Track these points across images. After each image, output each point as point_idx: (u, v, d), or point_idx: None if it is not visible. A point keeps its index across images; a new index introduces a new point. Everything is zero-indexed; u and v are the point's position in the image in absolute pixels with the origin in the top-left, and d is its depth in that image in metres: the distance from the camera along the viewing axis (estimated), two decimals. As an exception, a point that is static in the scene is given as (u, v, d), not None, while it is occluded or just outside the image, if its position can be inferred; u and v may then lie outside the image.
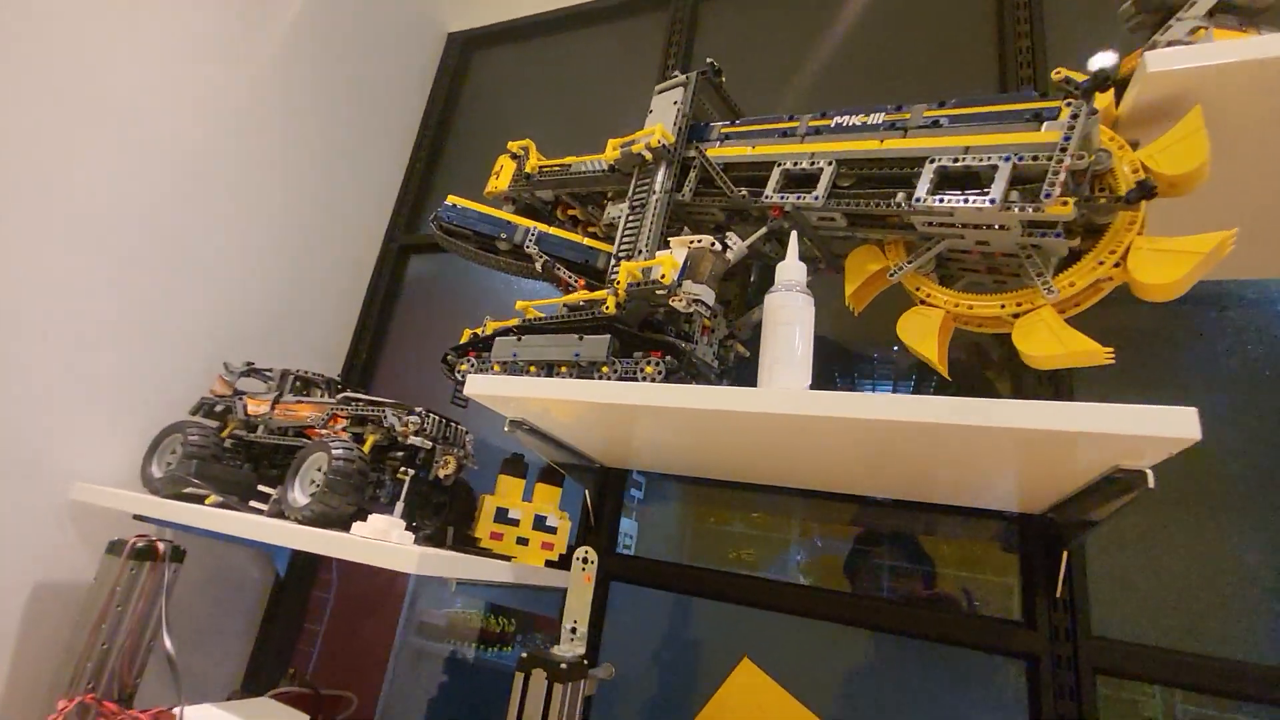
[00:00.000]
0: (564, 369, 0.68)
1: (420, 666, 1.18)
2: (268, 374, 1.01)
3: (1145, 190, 0.49)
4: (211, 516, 0.79)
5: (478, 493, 0.97)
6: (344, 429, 0.90)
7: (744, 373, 0.94)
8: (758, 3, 1.39)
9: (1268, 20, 0.66)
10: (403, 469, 0.81)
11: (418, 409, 0.88)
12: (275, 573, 1.22)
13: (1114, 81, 0.49)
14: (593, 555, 0.85)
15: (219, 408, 1.01)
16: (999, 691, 0.81)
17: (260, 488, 0.89)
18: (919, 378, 0.99)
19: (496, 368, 0.73)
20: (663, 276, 0.63)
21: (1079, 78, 0.52)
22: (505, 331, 0.75)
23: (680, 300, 0.64)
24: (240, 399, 0.99)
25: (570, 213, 1.03)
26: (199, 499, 0.85)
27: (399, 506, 0.78)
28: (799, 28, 1.31)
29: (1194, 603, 0.76)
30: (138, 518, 0.94)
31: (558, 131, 1.48)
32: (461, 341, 0.90)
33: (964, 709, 0.82)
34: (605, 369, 0.66)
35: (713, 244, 0.64)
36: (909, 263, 0.63)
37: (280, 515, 0.84)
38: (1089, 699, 0.75)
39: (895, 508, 0.92)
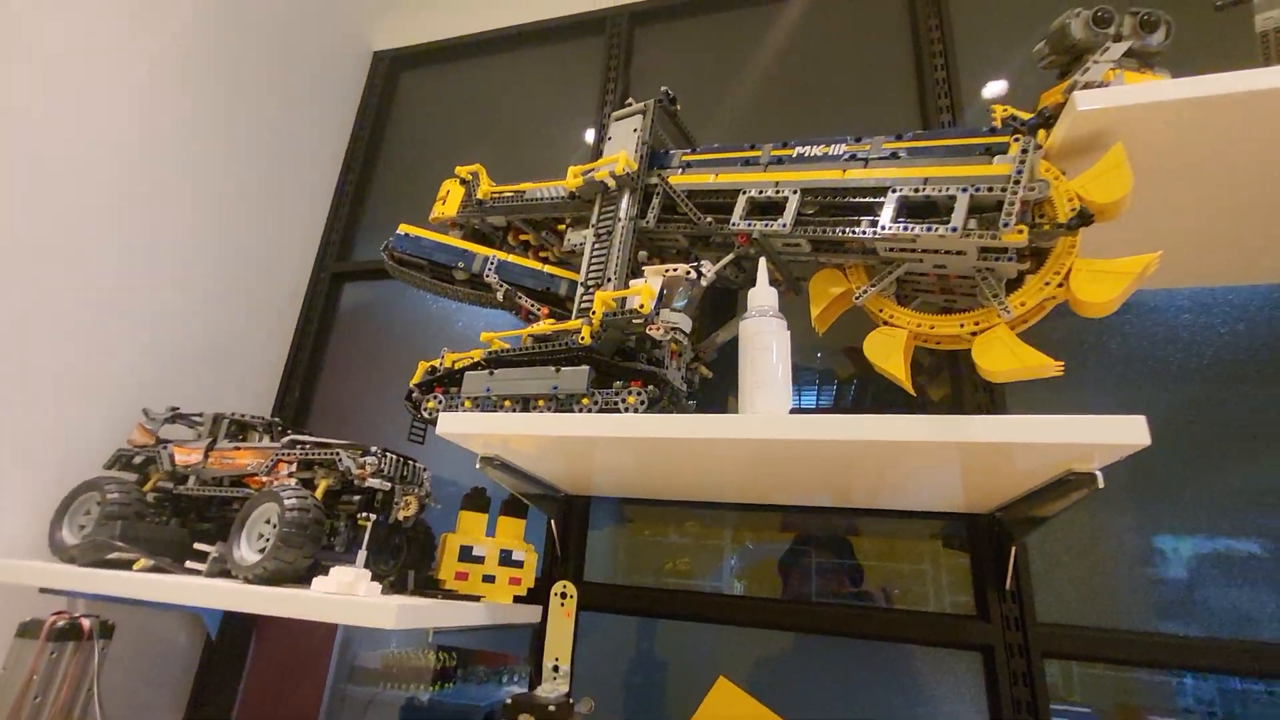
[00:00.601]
0: (541, 402, 0.67)
1: (358, 715, 1.10)
2: (196, 419, 0.93)
3: (1084, 218, 0.55)
4: (145, 584, 0.71)
5: (436, 531, 0.93)
6: (290, 475, 0.84)
7: (709, 394, 0.96)
8: (691, 31, 1.43)
9: (1160, 62, 0.75)
10: (363, 514, 0.77)
11: (374, 449, 0.84)
12: (206, 634, 1.12)
13: (1053, 119, 0.54)
14: (572, 590, 0.84)
15: (138, 459, 0.92)
16: (957, 682, 0.86)
17: (196, 545, 0.81)
18: (839, 383, 1.04)
19: (468, 404, 0.71)
20: (640, 306, 0.63)
21: (1023, 115, 0.57)
22: (475, 365, 0.72)
23: (658, 329, 0.64)
24: (165, 448, 0.91)
25: (522, 238, 1.01)
26: (126, 564, 0.77)
27: (361, 555, 0.74)
28: (730, 56, 1.36)
29: (1122, 585, 0.84)
30: (45, 591, 0.84)
31: (492, 154, 1.46)
32: (417, 375, 0.86)
33: (927, 701, 0.86)
34: (585, 401, 0.65)
35: (688, 272, 0.65)
36: (872, 286, 0.66)
37: (224, 574, 0.77)
38: (1040, 682, 0.81)
39: (849, 514, 0.96)
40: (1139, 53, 0.71)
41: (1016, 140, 0.56)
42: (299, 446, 0.84)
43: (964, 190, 0.57)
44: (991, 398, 0.91)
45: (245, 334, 1.23)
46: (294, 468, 0.84)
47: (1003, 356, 0.58)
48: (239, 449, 0.88)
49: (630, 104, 0.86)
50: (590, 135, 1.37)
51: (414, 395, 0.76)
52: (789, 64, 1.31)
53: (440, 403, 0.74)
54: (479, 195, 0.95)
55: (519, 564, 0.92)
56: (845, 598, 0.92)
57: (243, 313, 1.23)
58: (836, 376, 1.06)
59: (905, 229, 0.58)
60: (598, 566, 1.04)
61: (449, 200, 1.01)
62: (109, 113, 1.01)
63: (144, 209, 1.06)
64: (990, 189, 0.56)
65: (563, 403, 0.67)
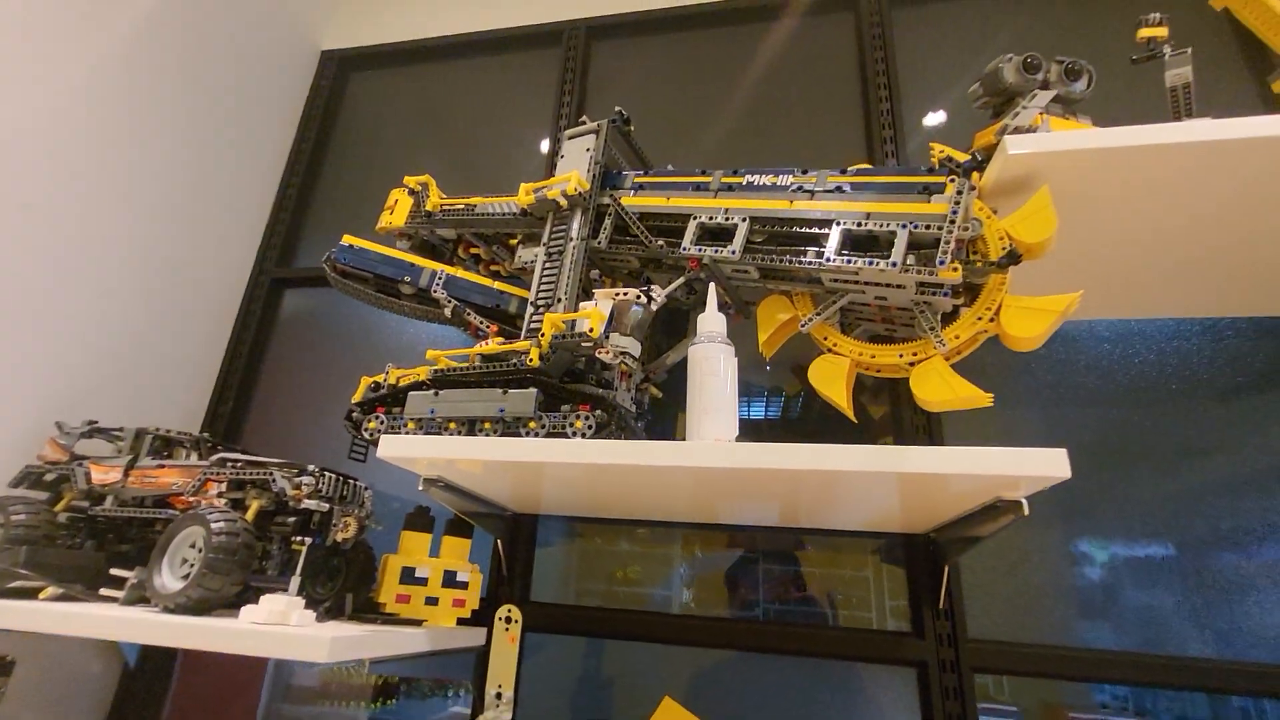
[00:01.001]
0: (488, 425, 0.66)
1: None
2: (117, 434, 0.87)
3: (1014, 257, 0.57)
4: (50, 616, 0.66)
5: (377, 551, 0.90)
6: (219, 495, 0.80)
7: (660, 412, 0.96)
8: (647, 48, 1.44)
9: (1082, 108, 0.80)
10: (298, 538, 0.74)
11: (310, 468, 0.80)
12: (124, 663, 1.05)
13: (985, 161, 0.57)
14: (516, 614, 0.82)
15: (50, 477, 0.86)
16: (895, 696, 0.88)
17: (113, 571, 0.76)
18: (786, 397, 1.07)
19: (411, 425, 0.69)
20: (590, 330, 0.63)
21: (959, 156, 0.59)
22: (419, 385, 0.71)
23: (607, 353, 0.64)
24: (80, 465, 0.85)
25: (473, 251, 1.00)
26: (32, 593, 0.71)
27: (295, 581, 0.71)
28: (685, 75, 1.38)
29: (1047, 600, 0.88)
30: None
31: (444, 161, 1.44)
32: (359, 391, 0.84)
33: (866, 714, 0.88)
34: (533, 424, 0.64)
35: (638, 296, 0.66)
36: (817, 314, 0.68)
37: (143, 602, 0.73)
38: (970, 697, 0.84)
39: (794, 533, 0.98)
40: (1064, 99, 0.76)
41: (952, 181, 0.59)
42: (229, 465, 0.80)
43: (903, 226, 0.59)
44: (929, 421, 0.94)
45: (175, 342, 1.17)
46: (223, 487, 0.80)
47: (938, 388, 0.60)
48: (163, 467, 0.83)
49: (584, 122, 0.86)
50: (545, 145, 1.37)
51: (354, 415, 0.74)
52: (742, 86, 1.34)
53: (382, 423, 0.71)
54: (428, 207, 0.93)
55: (463, 585, 0.90)
56: (791, 604, 0.94)
57: (173, 319, 1.17)
58: (784, 390, 1.09)
59: (849, 261, 0.60)
60: (546, 583, 1.03)
61: (397, 210, 0.99)
62: (25, 104, 0.95)
63: (64, 207, 0.99)
64: (928, 226, 0.58)
65: (510, 425, 0.66)
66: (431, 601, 0.87)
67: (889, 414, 1.01)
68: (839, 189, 0.65)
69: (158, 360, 1.13)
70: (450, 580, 0.88)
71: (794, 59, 1.33)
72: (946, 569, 0.83)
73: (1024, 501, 0.58)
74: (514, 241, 0.95)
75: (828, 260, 0.61)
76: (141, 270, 1.11)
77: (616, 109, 0.88)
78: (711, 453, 0.56)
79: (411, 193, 0.98)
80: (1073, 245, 0.61)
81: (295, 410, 1.23)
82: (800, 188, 0.67)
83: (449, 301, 0.82)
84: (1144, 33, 0.77)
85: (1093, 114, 0.80)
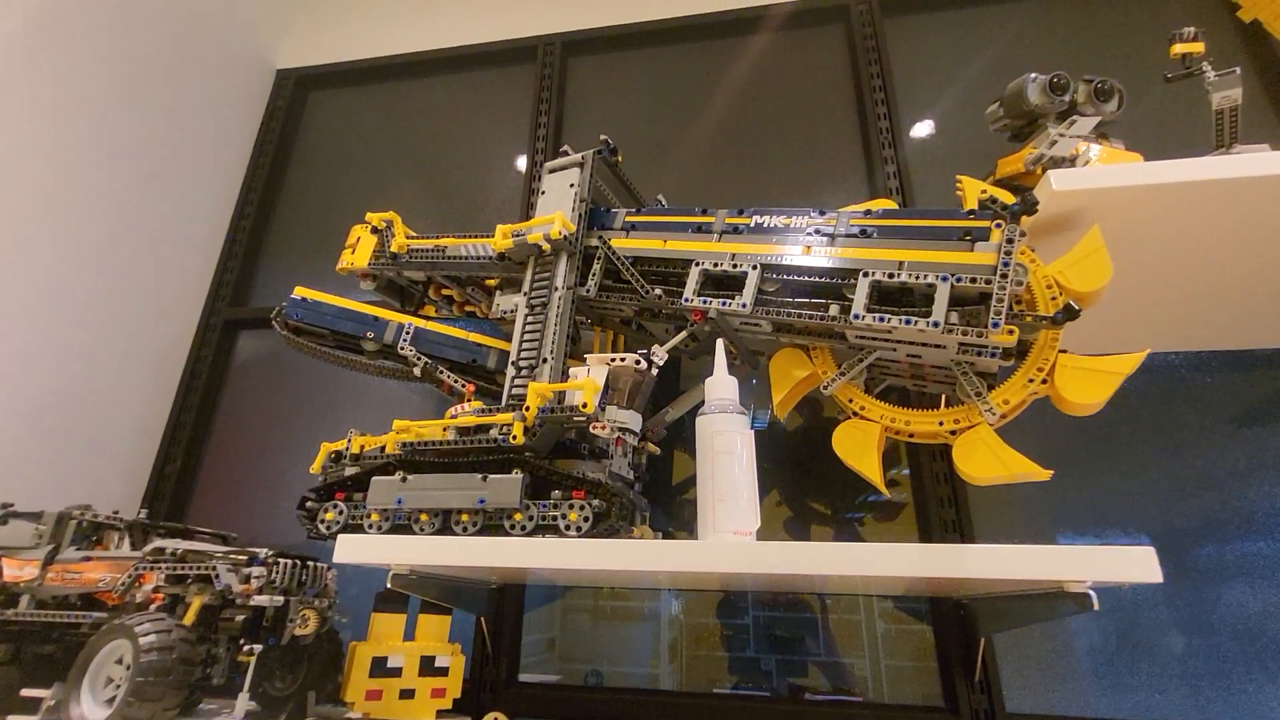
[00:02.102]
0: (465, 517, 0.56)
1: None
2: (35, 519, 0.76)
3: (1071, 314, 0.50)
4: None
5: (345, 637, 0.79)
6: (156, 590, 0.69)
7: (657, 474, 0.87)
8: (626, 63, 1.36)
9: (1114, 130, 0.73)
10: (246, 646, 0.63)
11: (261, 554, 0.70)
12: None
13: (1035, 204, 0.49)
14: (504, 721, 0.73)
15: (-46, 573, 0.74)
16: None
17: (25, 692, 0.65)
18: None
19: (375, 517, 0.59)
20: (584, 405, 0.54)
21: (1004, 197, 0.51)
22: (385, 467, 0.61)
23: (604, 429, 0.55)
24: (-9, 559, 0.73)
25: (445, 292, 0.90)
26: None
27: (243, 700, 0.60)
28: (667, 90, 1.30)
29: (1092, 662, 0.81)
30: None
31: (413, 186, 1.34)
32: (319, 460, 0.74)
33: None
34: (518, 516, 0.55)
35: (637, 361, 0.57)
36: (842, 375, 0.59)
37: (60, 733, 0.62)
38: (1012, 776, 0.76)
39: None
40: (1098, 123, 0.69)
41: (998, 227, 0.51)
42: (166, 557, 0.69)
43: (944, 279, 0.51)
44: (954, 490, 0.86)
45: (114, 396, 1.05)
46: (161, 581, 0.69)
47: (988, 462, 0.52)
48: (91, 560, 0.72)
49: (566, 152, 0.77)
50: (521, 165, 1.28)
51: (308, 504, 0.63)
52: (729, 102, 1.26)
53: (341, 513, 0.61)
54: (393, 249, 0.83)
55: (443, 671, 0.79)
56: (781, 610, 0.87)
57: (111, 371, 1.05)
58: (790, 431, 1.00)
59: (881, 319, 0.52)
60: (533, 653, 0.93)
61: (359, 249, 0.89)
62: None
63: (-25, 257, 0.87)
64: (973, 280, 0.50)
65: (491, 516, 0.56)
66: (407, 694, 0.77)
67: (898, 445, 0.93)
68: (863, 232, 0.57)
69: (93, 417, 1.01)
70: (428, 667, 0.78)
71: (783, 74, 1.26)
72: (982, 641, 0.75)
73: (1093, 595, 0.50)
74: (491, 283, 0.86)
75: (856, 318, 0.53)
76: (73, 315, 1.00)
77: (602, 138, 0.79)
78: (733, 555, 0.47)
79: (374, 230, 0.88)
80: (1115, 282, 0.54)
81: (252, 468, 1.12)
82: (818, 230, 0.59)
83: (419, 359, 0.72)
84: (1179, 48, 0.70)
85: (1124, 137, 0.73)
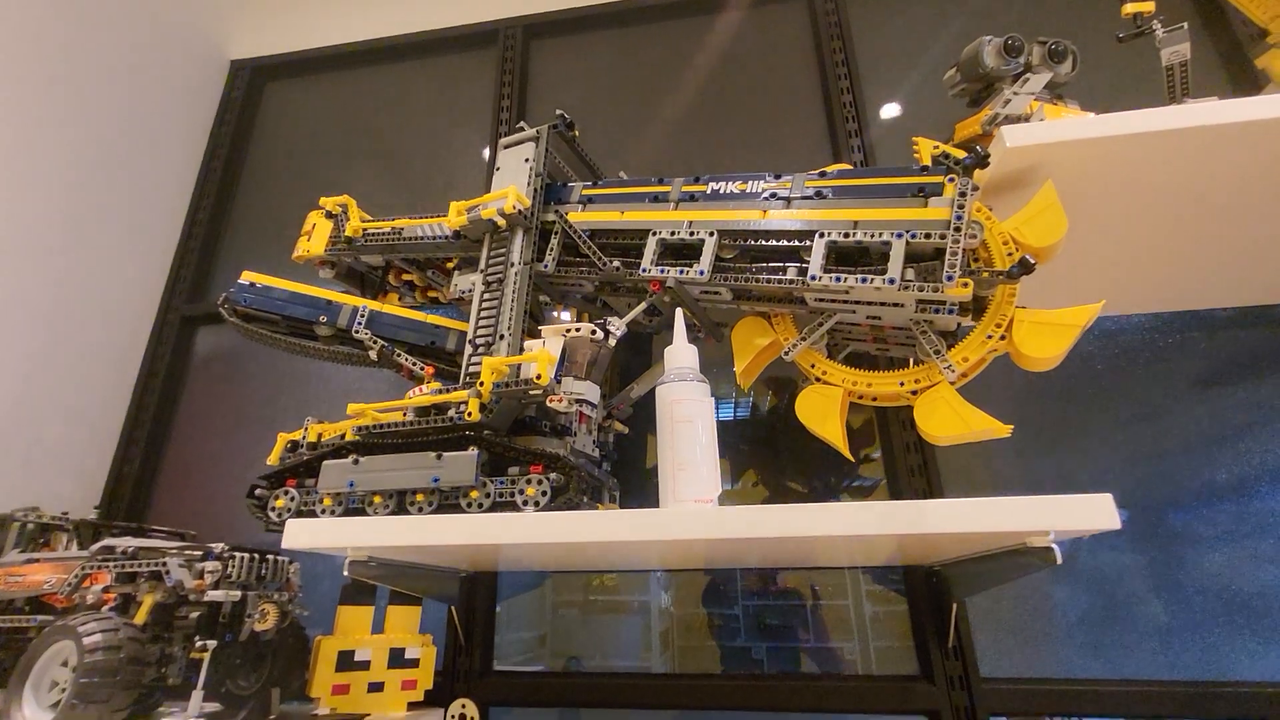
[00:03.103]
0: (420, 497, 0.54)
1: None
2: (-23, 522, 0.73)
3: (1026, 267, 0.49)
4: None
5: (310, 632, 0.77)
6: (108, 590, 0.67)
7: (626, 452, 0.86)
8: (590, 46, 1.34)
9: (1068, 92, 0.73)
10: (200, 643, 0.61)
11: (216, 548, 0.68)
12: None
13: (988, 158, 0.48)
14: (472, 709, 0.71)
15: (-106, 580, 0.71)
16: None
17: (-32, 700, 0.62)
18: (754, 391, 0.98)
19: (328, 501, 0.57)
20: (538, 376, 0.52)
21: (955, 152, 0.51)
22: (338, 451, 0.59)
23: (560, 401, 0.54)
24: (-69, 565, 0.70)
25: (405, 277, 0.88)
26: None
27: (196, 698, 0.58)
28: (632, 73, 1.29)
29: (1067, 624, 0.81)
30: None
31: (374, 177, 1.31)
32: (276, 451, 0.71)
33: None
34: (475, 494, 0.53)
35: (593, 331, 0.55)
36: (802, 340, 0.58)
37: (3, 739, 0.59)
38: (989, 740, 0.76)
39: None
40: (1050, 83, 0.69)
41: (951, 181, 0.50)
42: (115, 556, 0.66)
43: (899, 236, 0.50)
44: (924, 459, 0.86)
45: (69, 396, 1.01)
46: (112, 581, 0.67)
47: (949, 420, 0.52)
48: (35, 562, 0.69)
49: (522, 128, 0.75)
50: (486, 153, 1.25)
51: (258, 492, 0.61)
52: (693, 83, 1.24)
53: (294, 500, 0.59)
54: (348, 233, 0.81)
55: (413, 663, 0.78)
56: (770, 598, 0.86)
57: (65, 369, 1.01)
58: (756, 399, 1.00)
59: (837, 279, 0.51)
60: (511, 636, 0.91)
61: (315, 235, 0.87)
62: None
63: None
64: (927, 235, 0.49)
65: (447, 496, 0.54)
66: (376, 688, 0.75)
67: (870, 422, 0.93)
68: (818, 194, 0.56)
69: (47, 418, 0.98)
70: (398, 659, 0.77)
71: (747, 52, 1.25)
72: (955, 606, 0.75)
73: (1055, 548, 0.50)
74: (451, 265, 0.84)
75: (813, 279, 0.52)
76: (24, 314, 0.96)
77: (558, 112, 0.77)
78: (693, 522, 0.46)
79: (329, 215, 0.86)
80: (1072, 241, 0.54)
81: (215, 465, 1.09)
82: (774, 194, 0.58)
83: (375, 342, 0.70)
84: (1130, 8, 0.70)
85: (1078, 97, 0.73)
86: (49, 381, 0.99)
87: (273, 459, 0.72)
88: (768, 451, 0.95)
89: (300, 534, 0.51)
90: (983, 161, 0.48)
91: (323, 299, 0.73)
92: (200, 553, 0.66)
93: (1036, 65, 0.71)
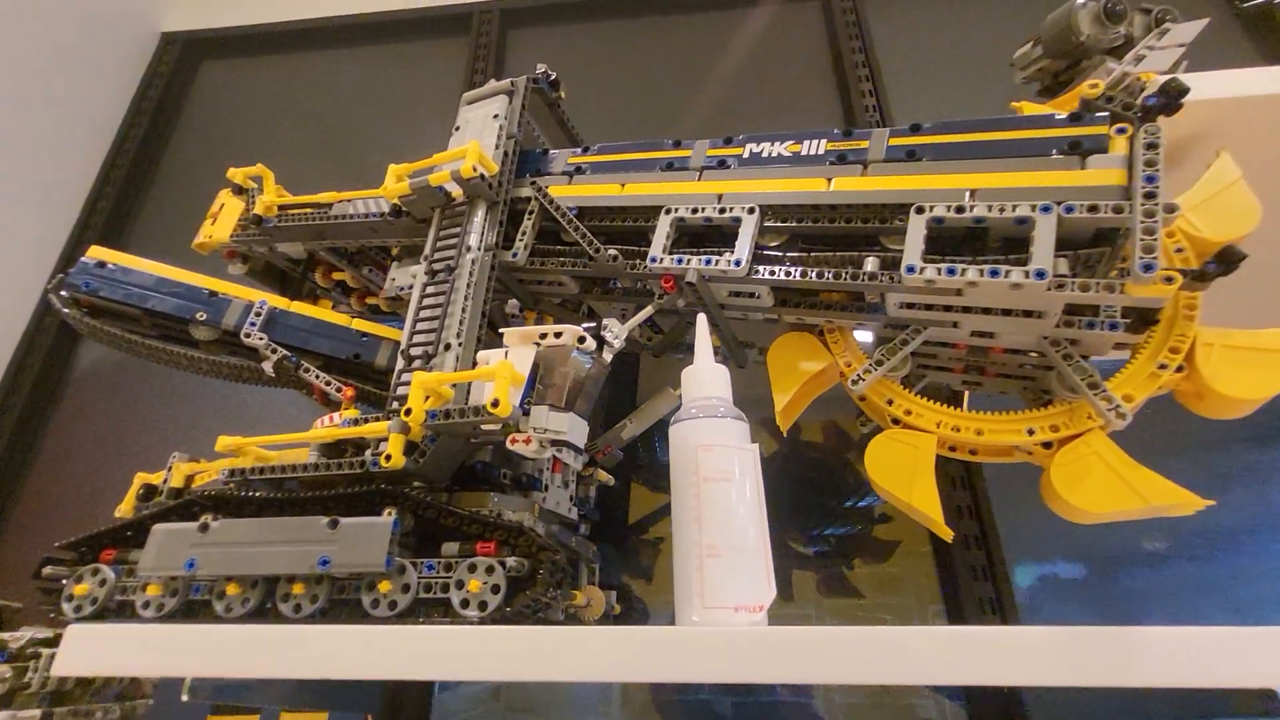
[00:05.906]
0: (299, 589, 0.34)
1: None
2: None
3: (1230, 260, 0.33)
4: None
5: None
6: None
7: (608, 510, 0.67)
8: (574, 38, 1.20)
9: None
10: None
11: (20, 638, 0.47)
12: None
13: (1182, 89, 0.32)
14: None
15: None
16: None
17: None
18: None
19: (153, 590, 0.36)
20: (495, 404, 0.33)
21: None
22: (184, 506, 0.39)
23: (527, 441, 0.35)
24: None
25: (336, 277, 0.69)
26: None
27: None
28: (622, 68, 1.14)
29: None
30: None
31: (320, 172, 1.12)
32: (129, 500, 0.51)
33: None
34: (385, 586, 0.33)
35: (580, 338, 0.37)
36: (876, 364, 0.41)
37: None
38: None
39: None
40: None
41: (1121, 132, 0.34)
42: None
43: (1046, 210, 0.33)
44: (980, 523, 0.69)
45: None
46: None
47: (1111, 488, 0.34)
48: None
49: (492, 83, 0.58)
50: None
51: (48, 570, 0.40)
52: (691, 85, 1.10)
53: (104, 584, 0.38)
54: (258, 209, 0.62)
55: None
56: None
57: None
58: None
59: (950, 273, 0.34)
60: (478, 703, 0.70)
61: (221, 217, 0.68)
62: None
63: None
64: (1092, 208, 0.33)
65: (342, 588, 0.35)
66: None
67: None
68: (910, 155, 0.39)
69: None
70: (288, 791, 0.55)
71: (753, 51, 1.11)
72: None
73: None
74: (390, 260, 0.66)
75: (910, 271, 0.35)
76: None
77: (540, 68, 0.60)
78: (738, 661, 0.27)
79: (240, 191, 0.67)
80: (1257, 235, 0.38)
81: (83, 511, 0.86)
82: (841, 157, 0.41)
83: (271, 350, 0.51)
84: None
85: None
86: None
87: (123, 508, 0.51)
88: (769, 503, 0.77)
89: (79, 654, 0.30)
90: (1175, 100, 0.32)
91: (204, 289, 0.53)
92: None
93: (1138, 38, 0.57)
